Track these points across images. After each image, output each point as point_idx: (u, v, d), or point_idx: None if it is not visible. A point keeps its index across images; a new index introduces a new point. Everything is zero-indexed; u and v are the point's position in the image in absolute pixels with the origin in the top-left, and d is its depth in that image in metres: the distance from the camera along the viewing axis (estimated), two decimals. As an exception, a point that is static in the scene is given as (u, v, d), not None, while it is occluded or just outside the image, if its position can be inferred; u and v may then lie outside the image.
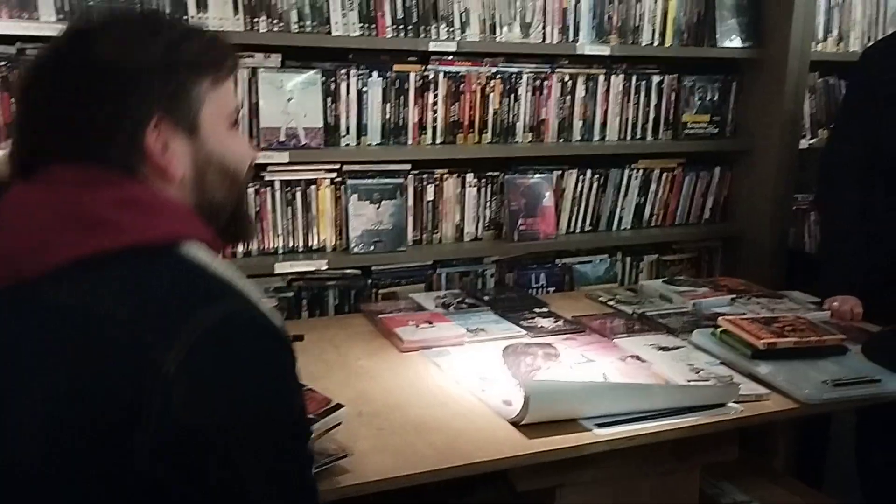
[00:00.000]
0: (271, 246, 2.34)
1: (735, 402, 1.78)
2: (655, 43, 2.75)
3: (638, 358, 2.02)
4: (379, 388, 1.82)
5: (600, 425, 1.65)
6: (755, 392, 1.84)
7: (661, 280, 2.69)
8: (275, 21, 2.20)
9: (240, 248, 2.29)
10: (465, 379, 1.87)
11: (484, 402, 1.76)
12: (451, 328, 2.15)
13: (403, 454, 1.52)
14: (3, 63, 1.98)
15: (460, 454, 1.53)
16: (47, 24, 1.95)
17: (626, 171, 2.82)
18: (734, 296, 2.53)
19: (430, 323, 2.17)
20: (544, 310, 2.38)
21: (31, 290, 0.93)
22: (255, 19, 2.18)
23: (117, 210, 0.95)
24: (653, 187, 2.88)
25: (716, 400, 1.76)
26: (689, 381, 1.87)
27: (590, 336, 2.20)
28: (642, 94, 2.79)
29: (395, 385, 1.84)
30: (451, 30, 2.41)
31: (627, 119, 2.79)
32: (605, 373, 1.92)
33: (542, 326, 2.24)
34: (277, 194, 2.32)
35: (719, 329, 2.09)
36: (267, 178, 2.30)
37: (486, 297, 2.46)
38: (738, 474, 2.25)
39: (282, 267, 2.28)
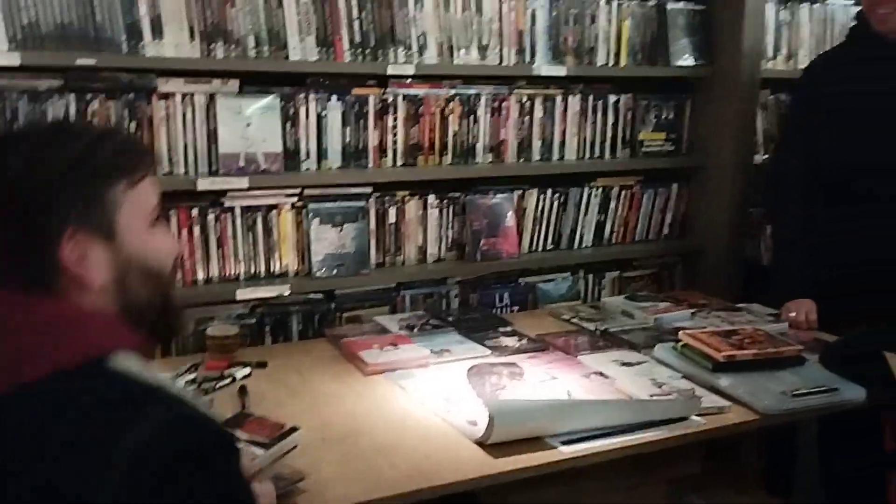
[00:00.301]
0: (233, 273, 2.32)
1: (697, 415, 1.81)
2: (611, 63, 2.79)
3: (601, 374, 2.04)
4: (343, 413, 1.81)
5: (565, 442, 1.66)
6: (717, 405, 1.86)
7: (622, 296, 2.72)
8: (232, 46, 2.20)
9: (200, 276, 2.27)
10: (430, 400, 1.87)
11: (449, 423, 1.76)
12: (415, 350, 2.15)
13: (368, 479, 1.51)
14: (-47, 93, 1.95)
15: (425, 476, 1.53)
16: (0, 52, 1.93)
17: (586, 190, 2.85)
18: (694, 310, 2.56)
19: (395, 345, 2.17)
20: (508, 329, 2.39)
21: None
22: (212, 45, 2.18)
23: (37, 336, 0.93)
24: (612, 205, 2.91)
25: (678, 413, 1.78)
26: (651, 396, 1.89)
27: (554, 354, 2.21)
28: (599, 113, 2.83)
29: (360, 409, 1.83)
30: (409, 53, 2.43)
31: (585, 138, 2.83)
32: (570, 390, 1.93)
33: (506, 345, 2.25)
34: (238, 220, 2.30)
35: (680, 343, 2.12)
36: (227, 205, 2.28)
37: (450, 318, 2.46)
38: (705, 486, 2.28)
39: (244, 293, 2.27)
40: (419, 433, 1.71)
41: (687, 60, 2.90)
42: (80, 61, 2.00)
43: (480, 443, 1.64)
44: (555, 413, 1.70)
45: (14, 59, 1.93)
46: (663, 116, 2.97)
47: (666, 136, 2.98)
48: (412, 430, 1.72)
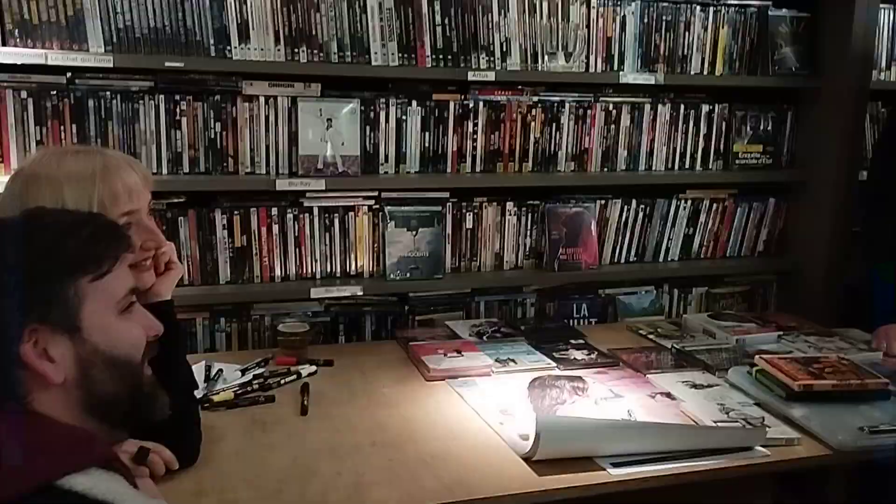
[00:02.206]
0: (309, 271, 2.37)
1: (763, 445, 1.72)
2: (705, 72, 2.69)
3: (668, 395, 1.97)
4: (398, 417, 1.82)
5: (616, 465, 1.61)
6: (785, 436, 1.76)
7: (706, 314, 2.62)
8: (315, 51, 2.25)
9: (278, 273, 2.34)
10: (485, 411, 1.85)
11: (500, 435, 1.74)
12: (479, 358, 2.14)
13: (408, 487, 1.51)
14: (54, 93, 2.08)
15: (466, 489, 1.51)
16: (96, 55, 2.04)
17: (674, 202, 2.76)
18: (781, 332, 2.44)
19: (459, 352, 2.16)
20: (580, 341, 2.35)
21: None
22: (296, 50, 2.23)
23: None
24: (702, 218, 2.81)
25: (740, 443, 1.70)
26: (716, 422, 1.81)
27: (623, 370, 2.15)
28: (691, 123, 2.74)
29: (414, 415, 1.84)
30: (491, 59, 2.42)
31: (675, 149, 2.74)
32: (631, 409, 1.87)
33: (574, 358, 2.21)
34: (316, 220, 2.35)
35: (755, 368, 2.02)
36: (306, 205, 2.34)
37: (522, 327, 2.44)
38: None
39: (317, 292, 2.31)
40: (469, 444, 1.70)
41: (789, 70, 2.76)
42: (169, 64, 2.09)
43: (527, 458, 1.62)
44: (606, 434, 1.65)
45: (108, 61, 2.03)
46: (761, 128, 2.84)
47: (763, 149, 2.85)
48: (462, 441, 1.72)
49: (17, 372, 0.97)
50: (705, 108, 2.75)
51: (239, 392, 1.90)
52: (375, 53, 2.30)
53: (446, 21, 2.36)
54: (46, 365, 0.97)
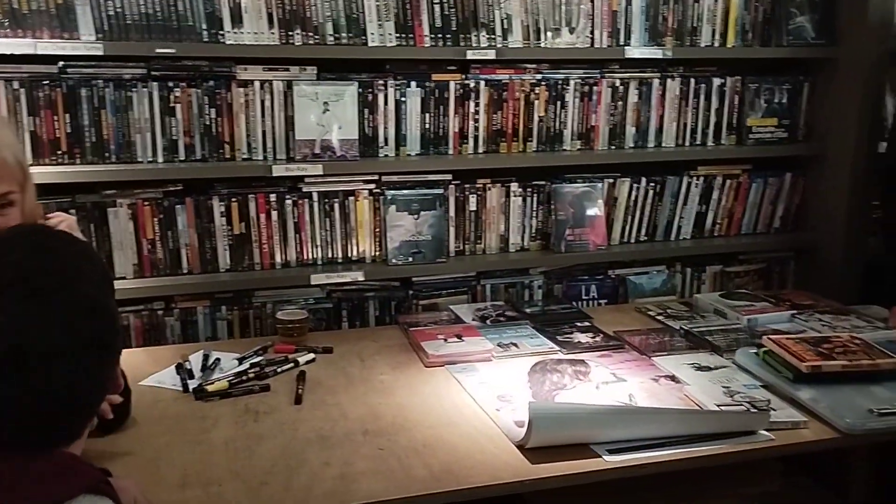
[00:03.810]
0: (309, 257, 2.35)
1: (767, 429, 1.66)
2: (716, 44, 2.61)
3: (673, 378, 1.92)
4: (393, 405, 1.79)
5: (612, 451, 1.57)
6: (792, 419, 1.71)
7: (717, 293, 2.56)
8: (310, 33, 2.21)
9: (278, 259, 2.32)
10: (482, 398, 1.82)
11: (496, 422, 1.70)
12: (480, 343, 2.10)
13: (396, 477, 1.48)
14: (46, 82, 2.06)
15: (456, 478, 1.48)
16: (86, 43, 2.02)
17: (685, 179, 2.69)
18: (795, 312, 2.37)
19: (460, 337, 2.13)
20: (585, 324, 2.30)
21: None
22: (291, 32, 2.20)
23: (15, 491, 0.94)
24: (715, 195, 2.73)
25: (742, 427, 1.65)
26: (719, 406, 1.76)
27: (627, 353, 2.11)
28: (702, 97, 2.66)
29: (410, 402, 1.81)
30: (492, 37, 2.36)
31: (685, 124, 2.66)
32: (632, 394, 1.83)
33: (578, 341, 2.16)
34: (315, 206, 2.32)
35: (763, 349, 1.96)
36: (305, 190, 2.31)
37: (527, 310, 2.40)
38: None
39: (318, 278, 2.29)
40: (463, 431, 1.67)
41: (804, 40, 2.67)
42: (161, 50, 2.06)
43: (520, 446, 1.58)
44: (602, 420, 1.61)
45: (98, 49, 2.01)
46: (776, 101, 2.75)
47: (778, 122, 2.76)
48: (456, 428, 1.68)
49: (86, 421, 1.05)
50: (717, 81, 2.67)
51: (234, 381, 1.88)
52: (372, 34, 2.26)
53: (444, -1, 2.31)
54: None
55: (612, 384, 1.88)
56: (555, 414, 1.60)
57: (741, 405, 1.76)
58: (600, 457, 1.56)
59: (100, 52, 2.02)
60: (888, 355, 1.90)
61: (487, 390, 1.86)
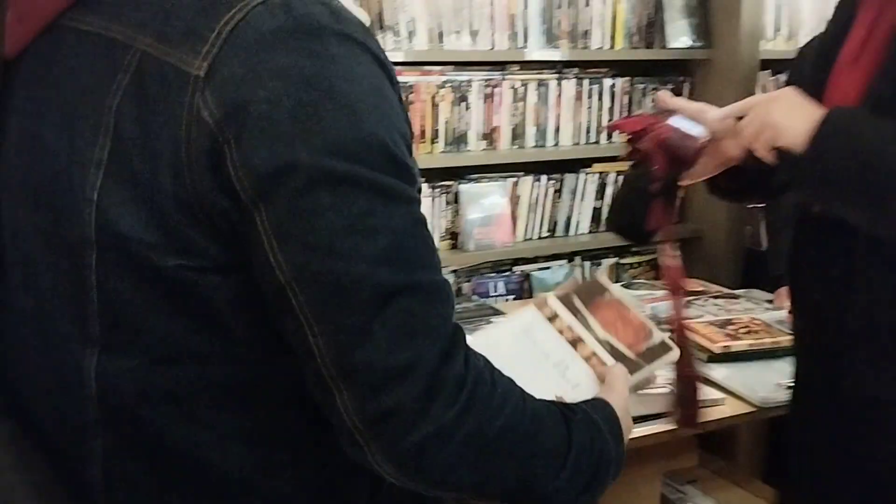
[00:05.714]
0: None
1: (690, 408, 1.77)
2: (606, 46, 2.74)
3: (594, 366, 2.00)
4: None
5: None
6: (710, 397, 1.82)
7: (619, 285, 2.68)
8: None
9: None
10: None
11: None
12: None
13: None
14: None
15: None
16: None
17: (582, 176, 2.81)
18: (691, 298, 2.52)
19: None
20: (500, 319, 2.35)
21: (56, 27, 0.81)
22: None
23: None
24: (609, 190, 2.87)
25: (669, 408, 1.74)
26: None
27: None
28: (595, 97, 2.78)
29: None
30: (398, 39, 2.38)
31: (581, 123, 2.78)
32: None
33: (497, 337, 2.21)
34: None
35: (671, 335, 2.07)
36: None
37: (442, 309, 2.43)
38: (701, 478, 2.24)
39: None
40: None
41: (684, 42, 2.85)
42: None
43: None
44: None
45: None
46: (661, 100, 2.91)
47: (663, 121, 2.92)
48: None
49: None
50: (608, 82, 2.80)
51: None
52: (279, 36, 2.22)
53: (351, 0, 2.30)
54: None
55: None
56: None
57: (664, 388, 1.86)
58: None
59: None
60: (786, 332, 2.06)
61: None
